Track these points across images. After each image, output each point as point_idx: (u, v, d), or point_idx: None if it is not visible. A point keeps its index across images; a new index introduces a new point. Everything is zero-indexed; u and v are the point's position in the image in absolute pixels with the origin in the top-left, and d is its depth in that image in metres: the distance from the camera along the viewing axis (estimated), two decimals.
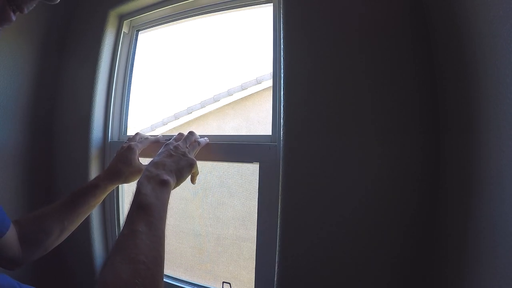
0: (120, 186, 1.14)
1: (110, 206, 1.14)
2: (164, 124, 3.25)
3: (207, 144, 0.94)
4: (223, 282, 0.94)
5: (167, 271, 1.05)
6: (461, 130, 0.58)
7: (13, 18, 0.41)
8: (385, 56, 0.70)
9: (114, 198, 1.13)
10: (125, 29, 1.16)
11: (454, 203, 0.59)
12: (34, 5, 0.42)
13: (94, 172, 1.11)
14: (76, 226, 0.71)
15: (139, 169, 0.78)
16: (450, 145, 0.62)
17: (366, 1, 0.73)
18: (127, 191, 1.15)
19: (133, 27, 1.18)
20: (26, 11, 0.42)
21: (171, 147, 0.67)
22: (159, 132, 3.22)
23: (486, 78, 0.48)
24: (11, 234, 0.56)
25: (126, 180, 0.77)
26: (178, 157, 0.64)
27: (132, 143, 0.81)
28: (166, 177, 0.56)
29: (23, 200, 1.14)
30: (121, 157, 0.77)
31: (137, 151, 0.80)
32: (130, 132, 1.22)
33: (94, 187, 0.72)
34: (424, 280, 0.66)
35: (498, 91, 0.45)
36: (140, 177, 0.57)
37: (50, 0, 0.43)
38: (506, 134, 0.43)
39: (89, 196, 0.70)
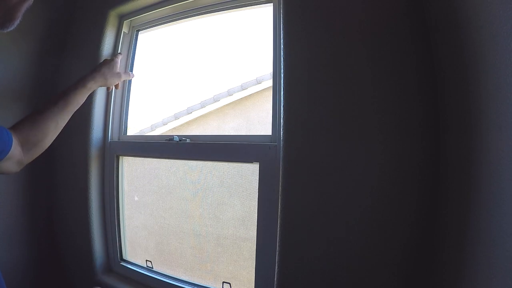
0: (120, 186, 1.14)
1: (110, 206, 1.14)
2: (164, 124, 3.25)
3: (207, 144, 0.95)
4: (223, 282, 0.94)
5: (167, 271, 1.05)
6: (461, 130, 0.58)
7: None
8: (385, 56, 0.70)
9: (114, 198, 1.13)
10: (125, 29, 1.16)
11: (455, 203, 0.59)
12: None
13: (94, 172, 1.11)
14: (66, 122, 0.80)
15: (118, 75, 0.97)
16: (451, 145, 0.62)
17: (366, 1, 0.73)
18: (127, 191, 1.15)
19: (133, 27, 1.18)
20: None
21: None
22: (159, 132, 3.22)
23: (486, 78, 0.48)
24: (14, 144, 0.62)
25: (107, 83, 0.93)
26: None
27: (115, 58, 1.00)
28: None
29: (23, 199, 1.14)
30: (106, 63, 0.94)
31: (118, 63, 1.00)
32: (130, 132, 1.22)
33: (82, 87, 0.82)
34: (424, 280, 0.66)
35: (498, 91, 0.45)
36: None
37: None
38: (506, 134, 0.43)
39: (78, 95, 0.81)
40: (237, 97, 3.12)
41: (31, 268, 1.14)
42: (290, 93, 0.76)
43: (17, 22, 0.48)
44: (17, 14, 0.46)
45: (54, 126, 0.75)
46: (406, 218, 0.67)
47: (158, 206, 1.09)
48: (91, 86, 0.85)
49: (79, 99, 0.82)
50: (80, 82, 0.83)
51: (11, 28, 0.48)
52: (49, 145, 0.76)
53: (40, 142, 0.72)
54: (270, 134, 0.86)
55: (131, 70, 1.18)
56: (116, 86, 1.00)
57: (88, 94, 0.86)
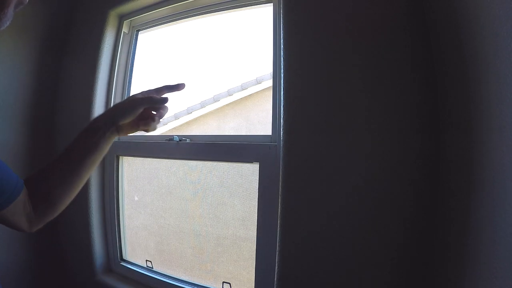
0: (120, 186, 1.14)
1: (110, 206, 1.14)
2: (164, 124, 3.25)
3: (207, 144, 0.94)
4: (223, 282, 0.94)
5: (167, 271, 1.05)
6: (461, 129, 0.58)
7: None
8: (385, 56, 0.70)
9: (114, 198, 1.13)
10: (125, 29, 1.16)
11: (455, 203, 0.59)
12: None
13: (94, 172, 1.11)
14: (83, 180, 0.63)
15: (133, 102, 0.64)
16: (451, 144, 0.62)
17: (366, 1, 0.73)
18: (127, 191, 1.15)
19: (133, 27, 1.18)
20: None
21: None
22: (159, 132, 3.22)
23: (486, 78, 0.48)
24: (24, 193, 0.54)
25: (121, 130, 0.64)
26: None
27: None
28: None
29: None
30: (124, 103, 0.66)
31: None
32: None
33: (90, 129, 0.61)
34: (424, 280, 0.66)
35: (498, 90, 0.45)
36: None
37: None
38: (506, 134, 0.43)
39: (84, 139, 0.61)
40: (237, 97, 3.12)
41: (31, 268, 1.14)
42: (290, 93, 0.76)
43: (8, 21, 0.46)
44: (6, 11, 0.44)
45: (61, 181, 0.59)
46: (406, 218, 0.67)
47: (158, 206, 1.09)
48: (100, 126, 0.61)
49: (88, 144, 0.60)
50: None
51: (2, 27, 0.46)
52: (63, 205, 0.61)
53: (48, 198, 0.58)
54: (270, 134, 0.86)
55: (131, 70, 1.18)
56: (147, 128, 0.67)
57: (102, 138, 0.61)
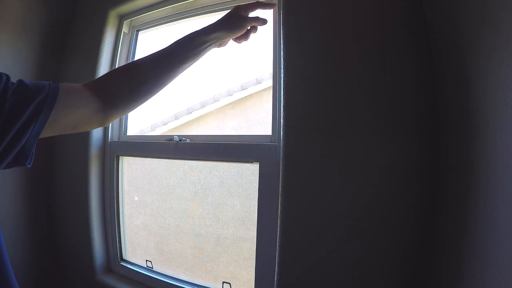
0: (120, 186, 1.14)
1: (110, 206, 1.14)
2: (164, 124, 3.25)
3: (207, 144, 0.94)
4: (223, 282, 0.94)
5: (167, 271, 1.05)
6: (461, 130, 0.58)
7: None
8: (385, 56, 0.70)
9: (114, 198, 1.13)
10: (125, 29, 1.16)
11: (455, 204, 0.59)
12: None
13: (94, 172, 1.11)
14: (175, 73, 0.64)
15: (242, 17, 0.71)
16: (451, 145, 0.62)
17: (366, 2, 0.73)
18: (127, 191, 1.15)
19: (133, 27, 1.18)
20: None
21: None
22: (159, 132, 3.22)
23: (486, 78, 0.48)
24: (74, 91, 0.51)
25: (228, 27, 0.70)
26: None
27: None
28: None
29: (22, 199, 1.14)
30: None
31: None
32: (130, 132, 1.22)
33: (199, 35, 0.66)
34: (425, 280, 0.66)
35: (498, 90, 0.45)
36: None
37: None
38: (507, 134, 0.43)
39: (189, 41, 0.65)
40: (237, 97, 3.12)
41: (30, 268, 1.14)
42: (290, 93, 0.76)
43: None
44: None
45: (156, 74, 0.59)
46: (406, 218, 0.67)
47: (158, 206, 1.09)
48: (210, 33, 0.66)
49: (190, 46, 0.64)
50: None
51: None
52: (149, 97, 0.60)
53: (132, 89, 0.56)
54: (270, 134, 0.86)
55: None
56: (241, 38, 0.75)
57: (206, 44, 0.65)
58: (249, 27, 0.75)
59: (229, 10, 0.74)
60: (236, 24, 0.70)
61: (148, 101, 0.62)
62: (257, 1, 0.75)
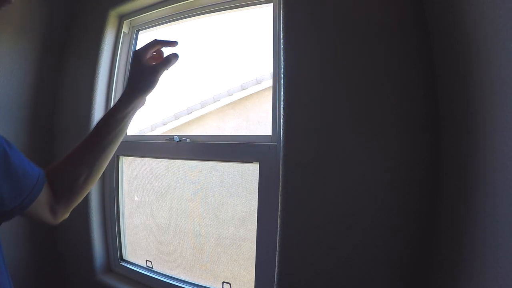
0: (120, 186, 1.14)
1: (110, 206, 1.14)
2: (164, 124, 3.25)
3: (207, 144, 0.94)
4: (223, 282, 0.94)
5: (167, 271, 1.05)
6: (461, 130, 0.58)
7: None
8: (385, 56, 0.70)
9: (114, 198, 1.13)
10: (125, 29, 1.16)
11: (455, 204, 0.59)
12: None
13: None
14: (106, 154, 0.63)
15: (150, 69, 0.63)
16: (451, 145, 0.62)
17: (367, 1, 0.73)
18: (127, 191, 1.15)
19: (133, 27, 1.18)
20: None
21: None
22: (159, 132, 3.22)
23: (486, 78, 0.48)
24: (46, 187, 0.52)
25: (143, 90, 0.62)
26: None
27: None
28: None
29: None
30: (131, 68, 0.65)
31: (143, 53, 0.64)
32: (130, 132, 1.22)
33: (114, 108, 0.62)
34: (425, 280, 0.66)
35: (498, 90, 0.45)
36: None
37: None
38: (506, 134, 0.43)
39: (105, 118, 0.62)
40: (237, 97, 3.12)
41: (30, 268, 1.14)
42: (290, 93, 0.76)
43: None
44: None
45: (90, 159, 0.59)
46: (406, 218, 0.67)
47: (158, 206, 1.09)
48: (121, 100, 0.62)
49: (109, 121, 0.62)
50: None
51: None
52: (89, 186, 0.60)
53: (71, 187, 0.56)
54: (270, 134, 0.86)
55: None
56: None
57: (122, 111, 0.62)
58: (163, 59, 0.65)
59: (130, 62, 0.68)
60: (146, 81, 0.62)
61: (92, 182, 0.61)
62: (155, 40, 0.65)
